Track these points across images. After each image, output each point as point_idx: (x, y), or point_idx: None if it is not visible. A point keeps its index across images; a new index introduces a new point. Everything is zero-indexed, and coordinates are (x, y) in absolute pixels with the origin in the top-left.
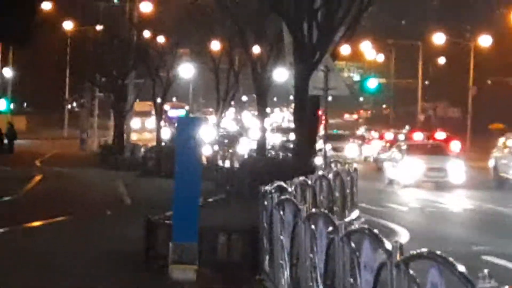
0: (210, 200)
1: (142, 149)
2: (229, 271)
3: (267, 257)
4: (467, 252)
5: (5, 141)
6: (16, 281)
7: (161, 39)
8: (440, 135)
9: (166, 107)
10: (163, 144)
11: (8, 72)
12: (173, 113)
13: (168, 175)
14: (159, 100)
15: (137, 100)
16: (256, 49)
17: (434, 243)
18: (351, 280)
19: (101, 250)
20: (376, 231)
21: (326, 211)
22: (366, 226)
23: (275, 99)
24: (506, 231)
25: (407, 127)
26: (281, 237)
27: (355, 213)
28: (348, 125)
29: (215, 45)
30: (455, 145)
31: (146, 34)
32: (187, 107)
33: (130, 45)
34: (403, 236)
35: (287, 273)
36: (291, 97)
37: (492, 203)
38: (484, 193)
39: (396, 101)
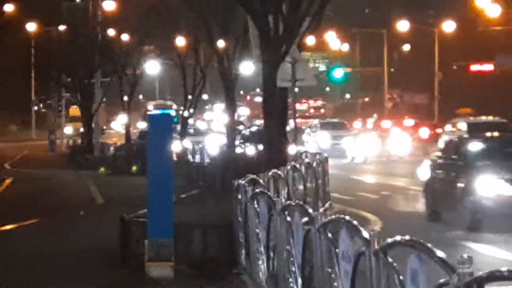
0: (183, 196)
1: (112, 148)
2: (206, 266)
3: (243, 251)
4: (442, 238)
5: None
6: None
7: (125, 36)
8: (409, 122)
9: (150, 106)
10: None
11: None
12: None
13: (138, 172)
14: (125, 98)
15: (104, 99)
16: (221, 43)
17: (407, 230)
18: (329, 270)
19: (77, 250)
20: (352, 220)
21: (299, 202)
22: (342, 215)
23: (241, 92)
24: None
25: (375, 115)
26: (257, 230)
27: (328, 203)
28: (316, 116)
29: (181, 41)
30: (424, 132)
31: (111, 32)
32: (174, 106)
33: (95, 44)
34: (376, 224)
35: (264, 266)
36: (258, 90)
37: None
38: None
39: (362, 89)
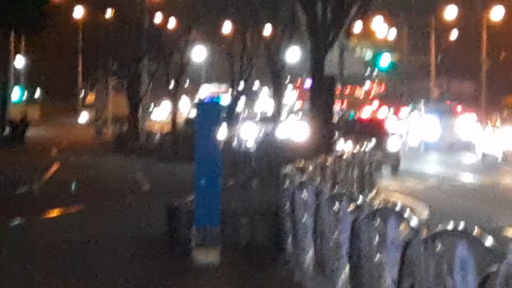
0: (230, 183)
1: (158, 135)
2: (252, 253)
3: (290, 239)
4: (489, 228)
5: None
6: (47, 271)
7: (173, 22)
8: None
9: (203, 92)
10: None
11: (20, 61)
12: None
13: (184, 159)
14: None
15: (151, 85)
16: (269, 30)
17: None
18: (377, 258)
19: (124, 236)
20: (400, 209)
21: (347, 190)
22: (390, 204)
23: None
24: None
25: (421, 101)
26: (304, 218)
27: (374, 191)
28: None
29: (228, 27)
30: (471, 118)
31: (158, 18)
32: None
33: (142, 29)
34: (424, 213)
35: (311, 253)
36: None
37: None
38: None
39: (409, 77)
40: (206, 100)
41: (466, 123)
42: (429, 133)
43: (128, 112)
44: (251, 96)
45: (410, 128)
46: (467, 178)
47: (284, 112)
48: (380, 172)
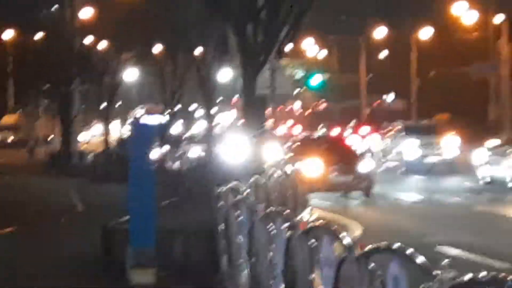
0: (164, 203)
1: (90, 155)
2: (188, 273)
3: (225, 258)
4: (420, 244)
5: None
6: None
7: (104, 44)
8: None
9: (139, 111)
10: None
11: None
12: (147, 120)
13: (118, 180)
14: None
15: (83, 106)
16: (199, 51)
17: (387, 236)
18: (312, 276)
19: (59, 257)
20: (333, 227)
21: (281, 209)
22: (323, 222)
23: (221, 98)
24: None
25: (353, 121)
26: (238, 237)
27: (307, 210)
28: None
29: (159, 48)
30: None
31: (89, 39)
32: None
33: (73, 51)
34: (357, 231)
35: (246, 272)
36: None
37: None
38: None
39: (340, 96)
40: (145, 117)
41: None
42: (409, 152)
43: (57, 133)
44: (187, 116)
45: (386, 147)
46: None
47: (219, 132)
48: (349, 198)
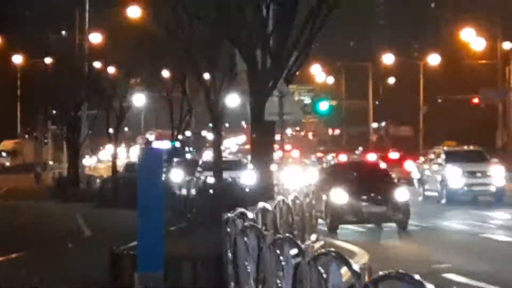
0: (172, 228)
1: (98, 180)
2: None
3: (232, 284)
4: (428, 271)
5: None
6: None
7: (112, 69)
8: (394, 155)
9: (150, 137)
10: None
11: None
12: (158, 145)
13: (125, 205)
14: (111, 130)
15: (90, 132)
16: (208, 76)
17: (393, 263)
18: None
19: (68, 283)
20: (343, 254)
21: (289, 235)
22: (332, 249)
23: (227, 125)
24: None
25: (360, 148)
26: (246, 263)
27: (313, 236)
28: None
29: (167, 74)
30: (409, 165)
31: (97, 65)
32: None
33: (82, 76)
34: (363, 258)
35: None
36: (243, 123)
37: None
38: None
39: (348, 122)
40: (156, 142)
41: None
42: (453, 180)
43: (65, 158)
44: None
45: (425, 174)
46: None
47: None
48: (381, 229)
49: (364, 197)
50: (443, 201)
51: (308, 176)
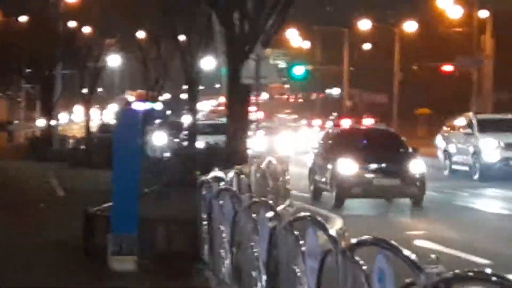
0: (146, 190)
1: (71, 141)
2: (169, 261)
3: (207, 247)
4: (400, 238)
5: None
6: None
7: (87, 29)
8: (368, 121)
9: (130, 97)
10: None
11: None
12: (138, 106)
13: (99, 166)
14: (85, 90)
15: (63, 91)
16: (183, 38)
17: (367, 229)
18: (295, 267)
19: (39, 243)
20: (319, 219)
21: (265, 199)
22: (308, 213)
23: (201, 87)
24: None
25: (334, 113)
26: (221, 226)
27: (288, 201)
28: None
29: (142, 34)
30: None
31: (73, 24)
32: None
33: (57, 35)
34: (337, 223)
35: (228, 262)
36: (217, 85)
37: None
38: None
39: (323, 87)
40: (136, 103)
41: None
42: (487, 153)
43: (38, 117)
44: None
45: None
46: None
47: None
48: (391, 205)
49: (375, 168)
50: (476, 176)
51: (303, 142)
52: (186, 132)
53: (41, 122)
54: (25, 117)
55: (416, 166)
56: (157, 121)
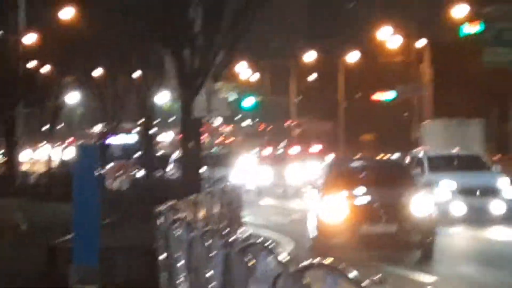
0: (106, 221)
1: (32, 176)
2: None
3: (165, 274)
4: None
5: None
6: None
7: (47, 68)
8: (316, 147)
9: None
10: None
11: None
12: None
13: (59, 199)
14: (46, 127)
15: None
16: (138, 74)
17: (318, 251)
18: None
19: (3, 274)
20: (270, 244)
21: (218, 227)
22: (260, 240)
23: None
24: None
25: (284, 142)
26: (178, 254)
27: (242, 228)
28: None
29: (99, 72)
30: (330, 157)
31: (32, 64)
32: (135, 130)
33: (17, 75)
34: (288, 246)
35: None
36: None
37: None
38: None
39: (271, 117)
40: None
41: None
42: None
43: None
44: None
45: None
46: None
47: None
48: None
49: (366, 211)
50: None
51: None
52: (172, 165)
53: None
54: None
55: (419, 204)
56: (137, 154)
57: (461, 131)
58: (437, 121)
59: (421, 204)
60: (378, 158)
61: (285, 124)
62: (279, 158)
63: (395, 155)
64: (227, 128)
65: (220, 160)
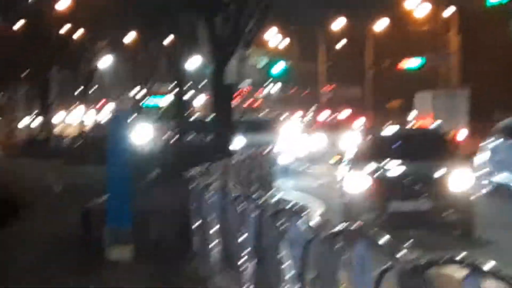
0: (140, 184)
1: (65, 139)
2: (162, 250)
3: (197, 237)
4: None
5: None
6: None
7: (80, 32)
8: (345, 112)
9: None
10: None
11: None
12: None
13: (93, 162)
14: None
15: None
16: (170, 39)
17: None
18: (281, 255)
19: (39, 236)
20: (302, 208)
21: (250, 191)
22: (291, 204)
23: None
24: None
25: (314, 106)
26: (210, 217)
27: (271, 191)
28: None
29: (132, 37)
30: (361, 121)
31: (66, 28)
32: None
33: (51, 39)
34: (319, 208)
35: (218, 250)
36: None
37: None
38: None
39: (302, 83)
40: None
41: None
42: None
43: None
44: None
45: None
46: None
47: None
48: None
49: (397, 185)
50: None
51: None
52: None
53: (23, 124)
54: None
55: (458, 180)
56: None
57: (449, 103)
58: (426, 92)
59: (460, 178)
60: (409, 126)
61: (321, 90)
62: (331, 124)
63: (436, 123)
64: (260, 94)
65: (262, 126)
